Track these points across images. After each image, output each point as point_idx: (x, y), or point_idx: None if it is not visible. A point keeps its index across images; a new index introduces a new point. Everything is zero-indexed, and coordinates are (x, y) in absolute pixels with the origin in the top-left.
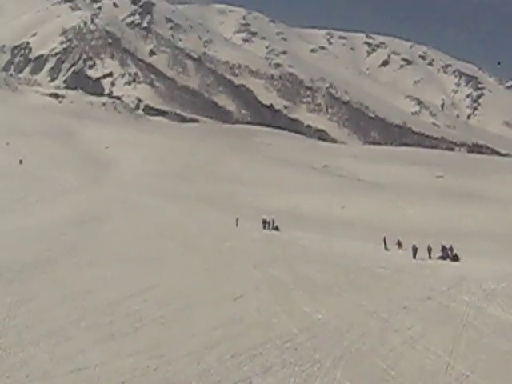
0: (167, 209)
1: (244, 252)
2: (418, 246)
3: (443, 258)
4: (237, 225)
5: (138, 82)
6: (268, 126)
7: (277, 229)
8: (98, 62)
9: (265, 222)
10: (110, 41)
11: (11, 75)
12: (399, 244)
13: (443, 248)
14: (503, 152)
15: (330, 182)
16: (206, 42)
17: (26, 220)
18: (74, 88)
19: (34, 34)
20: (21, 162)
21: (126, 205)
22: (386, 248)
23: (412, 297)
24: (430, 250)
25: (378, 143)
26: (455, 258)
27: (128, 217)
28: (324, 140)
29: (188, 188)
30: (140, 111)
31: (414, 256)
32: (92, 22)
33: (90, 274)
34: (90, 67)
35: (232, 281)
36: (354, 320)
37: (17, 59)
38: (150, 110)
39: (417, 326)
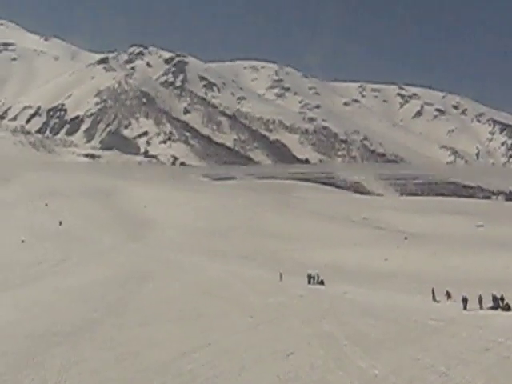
0: (209, 266)
1: (291, 307)
2: (468, 297)
3: (494, 308)
4: (280, 280)
5: (174, 141)
6: (304, 180)
7: (322, 283)
8: (133, 121)
9: (310, 276)
10: (144, 100)
11: (47, 137)
12: (448, 295)
13: (494, 298)
14: None
15: (371, 235)
16: (239, 98)
17: (70, 281)
18: (110, 148)
19: (69, 96)
20: (60, 223)
21: (167, 263)
22: (434, 299)
23: (469, 349)
24: (480, 300)
25: (415, 194)
26: (507, 308)
27: (170, 275)
28: (360, 193)
29: (228, 244)
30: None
31: (465, 307)
32: (126, 82)
33: (137, 335)
34: (126, 127)
35: (282, 337)
36: (412, 375)
37: (52, 121)
38: (185, 168)
39: (478, 379)
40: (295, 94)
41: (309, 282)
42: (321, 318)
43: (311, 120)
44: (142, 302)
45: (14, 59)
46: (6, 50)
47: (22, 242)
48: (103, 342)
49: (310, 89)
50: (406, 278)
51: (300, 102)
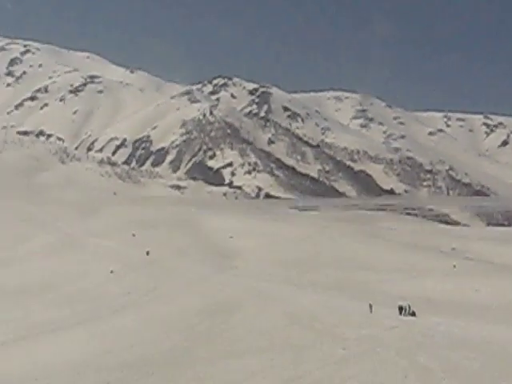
0: (297, 297)
1: (384, 339)
2: None
3: None
4: (371, 311)
5: (258, 171)
6: (390, 210)
7: (413, 314)
8: (217, 152)
9: (401, 307)
10: (229, 131)
11: (133, 168)
12: None
13: None
14: None
15: (460, 265)
16: (323, 129)
17: (159, 310)
18: (195, 179)
19: (155, 127)
20: (148, 253)
21: (255, 293)
22: None
23: None
24: None
25: (502, 224)
26: None
27: (259, 305)
28: (446, 223)
29: (315, 275)
30: (261, 200)
31: None
32: (211, 113)
33: (229, 366)
34: (210, 158)
35: (376, 369)
36: None
37: (138, 152)
38: (270, 199)
39: None
40: (379, 124)
41: (400, 314)
42: (415, 349)
43: (396, 150)
44: (232, 333)
45: (101, 92)
46: (93, 82)
47: (111, 272)
48: (195, 373)
49: (395, 119)
50: (499, 309)
51: (384, 133)
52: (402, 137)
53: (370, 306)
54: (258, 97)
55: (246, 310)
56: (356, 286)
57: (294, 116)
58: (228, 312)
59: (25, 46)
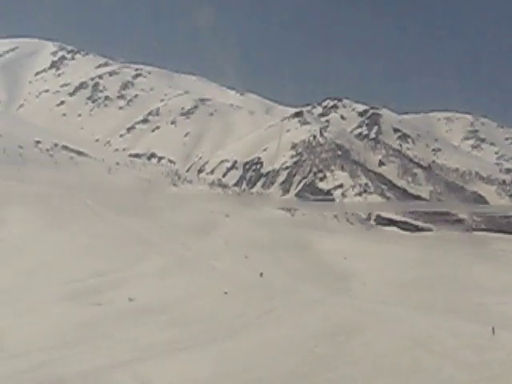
0: (416, 319)
1: (510, 364)
2: None
3: None
4: (493, 334)
5: (369, 193)
6: (504, 232)
7: None
8: (328, 174)
9: None
10: (339, 153)
11: (244, 190)
12: None
13: None
14: None
15: None
16: (434, 150)
17: (275, 332)
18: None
19: (265, 149)
20: (261, 274)
21: (373, 316)
22: None
23: None
24: None
25: None
26: None
27: (378, 328)
28: None
29: (433, 297)
30: (372, 222)
31: None
32: (321, 135)
33: None
34: (321, 179)
35: None
36: None
37: (249, 174)
38: (381, 220)
39: None
40: (491, 144)
41: None
42: None
43: (508, 171)
44: (353, 356)
45: (211, 114)
46: (203, 105)
47: (225, 293)
48: None
49: (507, 139)
50: None
51: (496, 153)
52: None
53: (493, 329)
54: (368, 118)
55: (365, 332)
56: (473, 308)
57: (404, 137)
58: (347, 334)
59: (136, 69)
